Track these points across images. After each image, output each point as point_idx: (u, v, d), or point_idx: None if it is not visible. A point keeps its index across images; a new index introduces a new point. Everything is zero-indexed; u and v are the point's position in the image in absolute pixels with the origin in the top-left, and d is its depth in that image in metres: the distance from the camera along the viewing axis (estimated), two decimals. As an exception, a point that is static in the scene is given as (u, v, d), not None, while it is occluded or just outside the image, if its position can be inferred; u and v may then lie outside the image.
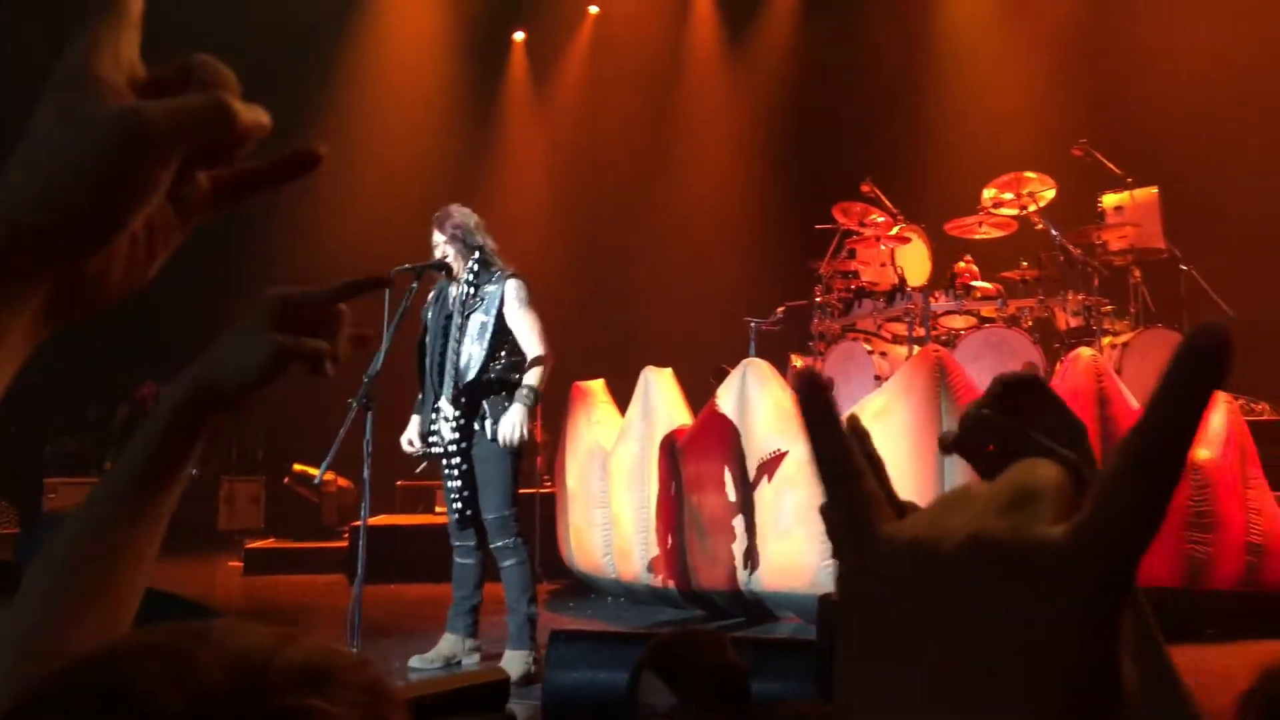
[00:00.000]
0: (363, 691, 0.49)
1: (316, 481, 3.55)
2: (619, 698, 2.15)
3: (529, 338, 4.12)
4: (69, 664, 0.48)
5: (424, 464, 4.42)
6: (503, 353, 4.11)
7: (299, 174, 0.56)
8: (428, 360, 4.23)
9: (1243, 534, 4.78)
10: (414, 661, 4.12)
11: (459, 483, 4.11)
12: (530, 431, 4.11)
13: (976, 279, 6.81)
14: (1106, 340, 6.36)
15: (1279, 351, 7.26)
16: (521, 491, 4.28)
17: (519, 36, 11.51)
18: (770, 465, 4.91)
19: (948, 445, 0.81)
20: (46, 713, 0.46)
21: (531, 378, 4.06)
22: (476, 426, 4.08)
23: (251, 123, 0.50)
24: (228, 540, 9.29)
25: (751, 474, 5.02)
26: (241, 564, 7.74)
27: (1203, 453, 4.80)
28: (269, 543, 8.36)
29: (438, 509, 7.79)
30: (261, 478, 9.95)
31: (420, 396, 4.35)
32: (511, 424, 4.01)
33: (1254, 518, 4.84)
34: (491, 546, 4.09)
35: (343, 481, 8.44)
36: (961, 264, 6.96)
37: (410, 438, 4.29)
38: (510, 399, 4.07)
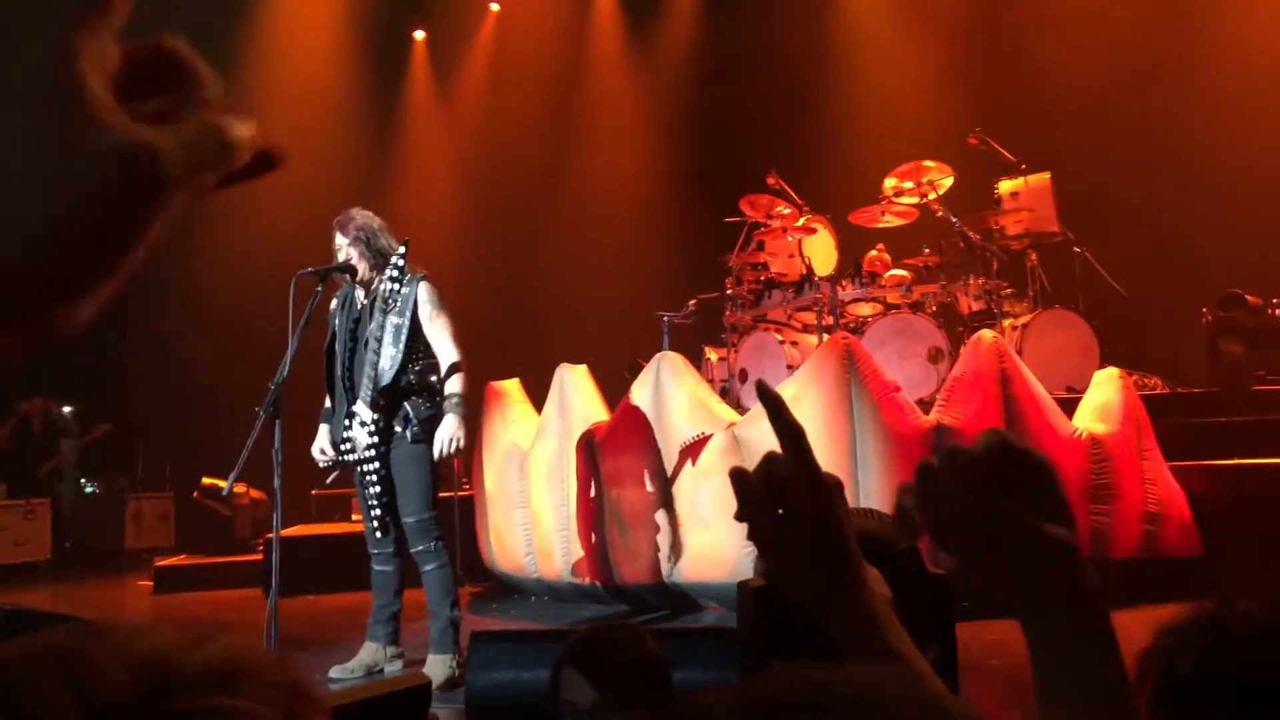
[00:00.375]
0: (279, 690, 0.48)
1: (225, 493, 3.46)
2: (543, 697, 2.15)
3: (443, 342, 4.08)
4: None
5: (336, 473, 4.33)
6: (418, 355, 4.06)
7: (257, 176, 0.49)
8: (338, 366, 4.15)
9: (1140, 504, 4.99)
10: (334, 672, 4.06)
11: (377, 489, 4.04)
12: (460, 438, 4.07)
13: (889, 267, 6.96)
14: (1007, 322, 6.56)
15: (1168, 328, 7.62)
16: (441, 495, 4.24)
17: (419, 35, 11.37)
18: (694, 449, 4.94)
19: (911, 535, 0.77)
20: None
21: (455, 385, 4.03)
22: (397, 429, 4.02)
23: (248, 150, 0.46)
24: (136, 559, 9.00)
25: (672, 463, 5.05)
26: (151, 583, 7.50)
27: (1101, 427, 4.99)
28: (180, 560, 8.12)
29: (354, 517, 7.65)
30: (170, 494, 9.66)
31: (328, 404, 4.26)
32: (449, 437, 3.98)
33: (1150, 488, 5.05)
34: (411, 551, 4.04)
35: (255, 493, 8.24)
36: (874, 252, 7.09)
37: (321, 447, 4.21)
38: (429, 401, 4.03)
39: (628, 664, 1.76)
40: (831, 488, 0.83)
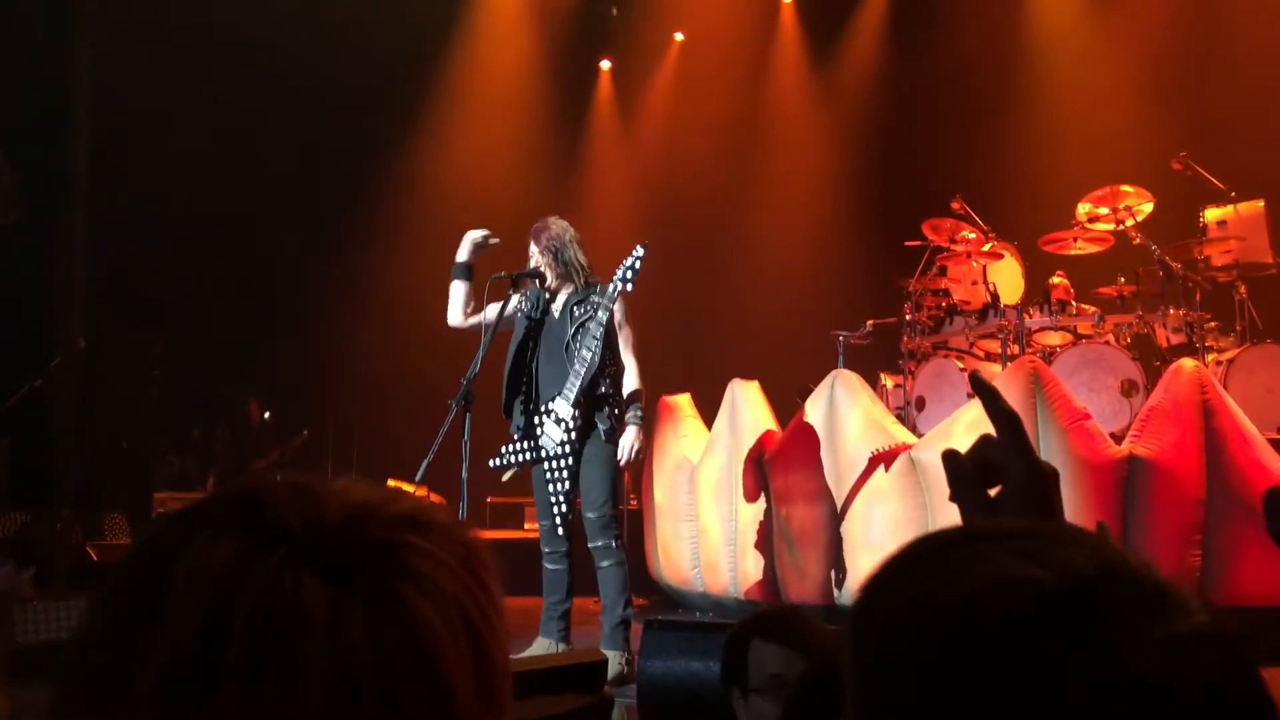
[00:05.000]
0: (458, 542, 0.59)
1: (418, 478, 3.64)
2: (713, 686, 2.16)
3: (628, 351, 4.25)
4: (217, 491, 0.60)
5: (515, 471, 4.44)
6: (613, 359, 4.21)
7: None
8: (531, 365, 4.29)
9: (1362, 553, 4.57)
10: (507, 663, 4.18)
11: (566, 485, 4.17)
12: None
13: (1072, 295, 6.67)
14: (1210, 357, 6.16)
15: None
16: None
17: (605, 65, 11.73)
18: (886, 457, 4.83)
19: None
20: (191, 519, 0.56)
21: (637, 397, 4.26)
22: (596, 426, 4.15)
23: None
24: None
25: (841, 481, 4.97)
26: (336, 578, 7.89)
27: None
28: (363, 559, 8.50)
29: (527, 526, 7.87)
30: (356, 496, 10.17)
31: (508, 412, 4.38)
32: (631, 445, 4.18)
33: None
34: (591, 546, 4.14)
35: (435, 498, 8.58)
36: (1056, 279, 6.81)
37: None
38: (619, 403, 4.18)
39: (818, 638, 1.76)
40: (1049, 476, 0.82)
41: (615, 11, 11.44)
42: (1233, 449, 4.51)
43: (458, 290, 4.41)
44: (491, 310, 4.36)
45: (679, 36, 11.36)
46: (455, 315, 4.43)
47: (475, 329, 4.40)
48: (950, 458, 0.84)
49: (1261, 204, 6.84)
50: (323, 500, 0.56)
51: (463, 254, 4.41)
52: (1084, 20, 9.40)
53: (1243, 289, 6.64)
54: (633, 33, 11.23)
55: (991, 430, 0.86)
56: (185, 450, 10.50)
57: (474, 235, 4.40)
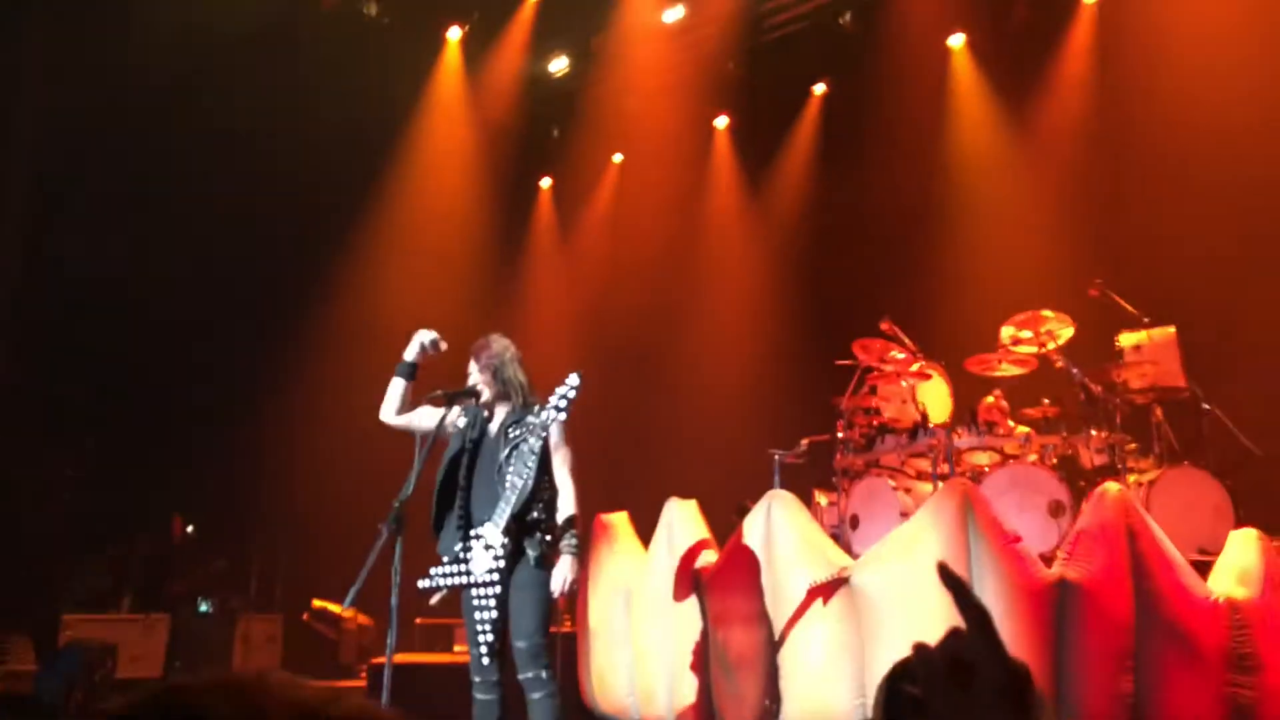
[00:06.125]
0: None
1: (347, 603, 3.51)
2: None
3: (564, 474, 4.16)
4: (146, 693, 0.55)
5: (444, 593, 4.30)
6: (547, 483, 4.13)
7: None
8: (458, 483, 4.20)
9: (1287, 676, 4.63)
10: (434, 801, 3.99)
11: (493, 613, 4.03)
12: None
13: (1006, 415, 6.83)
14: (1132, 478, 6.31)
15: (1310, 492, 7.18)
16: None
17: (545, 183, 11.98)
18: (826, 589, 4.79)
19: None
20: None
21: (572, 524, 4.09)
22: (524, 553, 4.04)
23: None
24: (241, 680, 9.06)
25: (779, 603, 4.93)
26: (254, 704, 7.55)
27: (1241, 591, 4.71)
28: (283, 682, 8.16)
29: (456, 648, 7.64)
30: (279, 615, 9.82)
31: (438, 529, 4.28)
32: (567, 577, 4.01)
33: (1297, 659, 4.69)
34: (521, 677, 3.99)
35: (363, 619, 8.32)
36: (990, 399, 6.97)
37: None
38: (551, 529, 4.07)
39: None
40: (1023, 674, 0.82)
41: (556, 132, 11.74)
42: (1156, 573, 4.59)
43: (396, 388, 4.33)
44: (428, 419, 4.29)
45: (618, 158, 11.67)
46: (388, 412, 4.35)
47: (405, 429, 4.33)
48: (921, 651, 0.84)
49: (1173, 330, 7.14)
50: (262, 706, 0.54)
51: (410, 353, 4.34)
52: (1004, 152, 9.89)
53: (1159, 411, 6.86)
54: (573, 153, 11.50)
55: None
56: (99, 568, 10.04)
57: (424, 336, 4.33)
